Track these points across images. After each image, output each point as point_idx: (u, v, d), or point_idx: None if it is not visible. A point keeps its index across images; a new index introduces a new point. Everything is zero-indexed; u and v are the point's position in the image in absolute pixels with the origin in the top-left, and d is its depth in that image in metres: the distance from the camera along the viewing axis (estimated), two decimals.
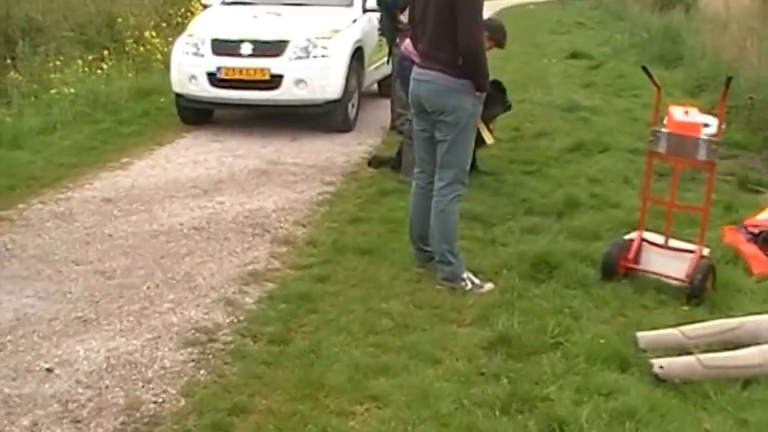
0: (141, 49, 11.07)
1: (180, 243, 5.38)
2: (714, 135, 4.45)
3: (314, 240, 5.38)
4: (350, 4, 9.16)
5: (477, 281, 4.57)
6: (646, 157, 4.71)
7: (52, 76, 9.71)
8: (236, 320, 4.24)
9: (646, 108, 9.43)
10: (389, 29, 8.25)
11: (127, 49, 11.20)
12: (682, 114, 6.89)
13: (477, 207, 5.89)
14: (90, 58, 10.55)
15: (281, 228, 5.68)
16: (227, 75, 8.22)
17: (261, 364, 3.72)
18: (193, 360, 3.82)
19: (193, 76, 8.37)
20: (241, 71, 8.20)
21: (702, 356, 3.63)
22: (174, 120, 9.00)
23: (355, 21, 8.95)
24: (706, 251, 4.60)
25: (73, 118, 8.86)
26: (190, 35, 8.70)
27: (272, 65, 8.16)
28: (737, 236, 5.21)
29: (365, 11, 9.01)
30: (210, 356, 3.85)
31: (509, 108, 6.92)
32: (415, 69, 4.57)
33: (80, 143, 8.04)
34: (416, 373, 3.61)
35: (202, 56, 8.36)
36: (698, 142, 4.40)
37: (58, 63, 9.88)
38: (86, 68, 9.92)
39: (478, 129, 6.84)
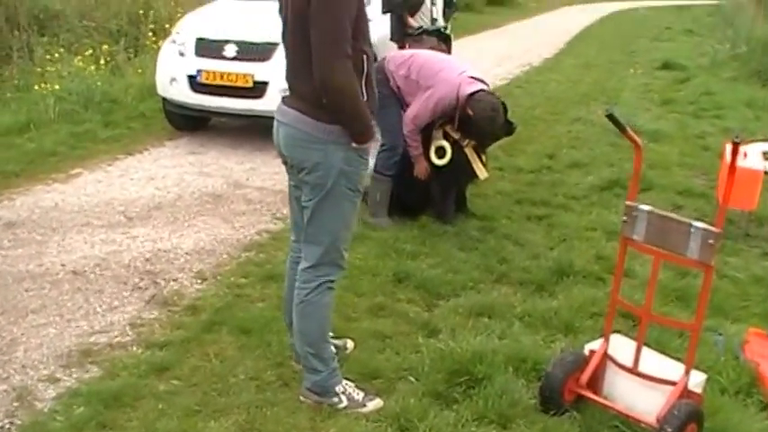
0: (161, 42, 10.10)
1: (40, 293, 4.30)
2: (715, 225, 2.95)
3: (197, 305, 4.16)
4: (366, 3, 7.80)
5: (358, 396, 3.23)
6: (619, 243, 3.24)
7: (50, 69, 8.90)
8: (7, 429, 3.10)
9: (726, 134, 7.80)
10: (398, 33, 7.01)
11: (147, 42, 10.29)
12: (738, 156, 5.35)
13: (433, 269, 4.55)
14: (103, 50, 9.69)
15: (176, 280, 4.50)
16: (207, 79, 7.08)
17: None
18: None
19: (174, 79, 7.30)
20: (222, 76, 7.03)
21: None
22: (166, 124, 8.02)
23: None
24: (696, 381, 3.11)
25: (56, 117, 8.05)
26: (177, 32, 7.63)
27: (257, 70, 6.96)
28: (764, 347, 3.65)
29: (385, 11, 7.65)
30: None
31: (512, 132, 5.46)
32: (278, 105, 3.26)
33: (44, 147, 7.17)
34: None
35: (185, 56, 7.28)
36: (689, 231, 2.91)
37: (56, 56, 9.07)
38: (85, 63, 9.01)
39: (469, 161, 5.49)
